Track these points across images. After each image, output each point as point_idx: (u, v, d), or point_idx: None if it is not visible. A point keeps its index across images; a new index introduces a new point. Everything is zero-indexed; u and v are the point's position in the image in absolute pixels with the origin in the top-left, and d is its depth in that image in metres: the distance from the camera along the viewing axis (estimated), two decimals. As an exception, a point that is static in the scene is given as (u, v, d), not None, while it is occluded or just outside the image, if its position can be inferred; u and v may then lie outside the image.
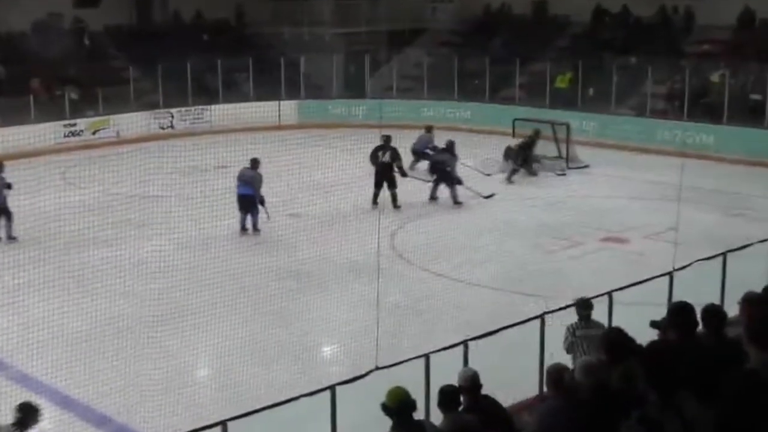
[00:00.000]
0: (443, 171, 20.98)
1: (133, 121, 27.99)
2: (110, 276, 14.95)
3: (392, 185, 20.59)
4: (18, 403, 8.80)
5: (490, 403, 7.82)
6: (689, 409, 4.90)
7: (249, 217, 18.59)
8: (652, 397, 5.04)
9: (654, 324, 8.09)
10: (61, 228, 15.24)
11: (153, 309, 13.37)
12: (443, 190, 20.99)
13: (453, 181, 20.75)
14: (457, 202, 20.67)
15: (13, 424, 8.61)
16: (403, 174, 21.10)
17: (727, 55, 29.22)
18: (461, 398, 7.65)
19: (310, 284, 15.44)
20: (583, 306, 10.66)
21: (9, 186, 18.13)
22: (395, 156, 20.93)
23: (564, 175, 23.91)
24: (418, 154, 23.53)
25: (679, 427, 4.79)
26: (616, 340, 6.89)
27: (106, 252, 16.72)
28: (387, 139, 21.16)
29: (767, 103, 26.40)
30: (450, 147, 21.54)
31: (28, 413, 8.64)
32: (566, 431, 5.85)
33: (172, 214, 17.90)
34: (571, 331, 10.51)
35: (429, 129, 24.45)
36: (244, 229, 18.60)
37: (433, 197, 21.13)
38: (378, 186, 20.57)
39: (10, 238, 18.24)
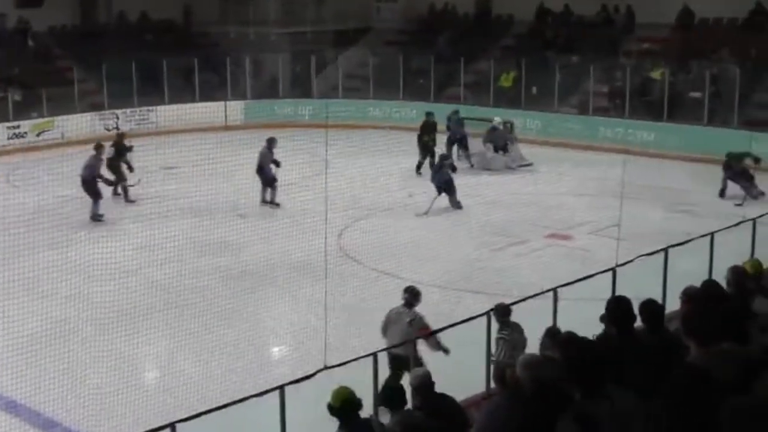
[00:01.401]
0: None
1: (78, 123, 27.76)
2: (57, 279, 14.83)
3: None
4: (405, 286, 11.54)
5: (445, 401, 7.93)
6: (624, 403, 4.97)
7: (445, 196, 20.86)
8: (577, 394, 5.06)
9: (603, 318, 8.22)
10: (7, 231, 15.10)
11: (101, 311, 13.33)
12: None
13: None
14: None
15: (404, 305, 11.22)
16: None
17: (667, 54, 29.69)
18: (415, 397, 7.76)
19: (258, 285, 15.46)
20: (503, 312, 10.81)
21: (277, 164, 21.34)
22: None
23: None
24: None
25: (614, 422, 4.82)
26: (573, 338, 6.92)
27: (53, 254, 16.54)
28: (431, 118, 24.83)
29: (706, 101, 26.87)
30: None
31: (413, 294, 11.36)
32: (509, 427, 5.85)
33: (119, 215, 17.85)
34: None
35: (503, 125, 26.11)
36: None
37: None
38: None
39: (273, 203, 21.07)
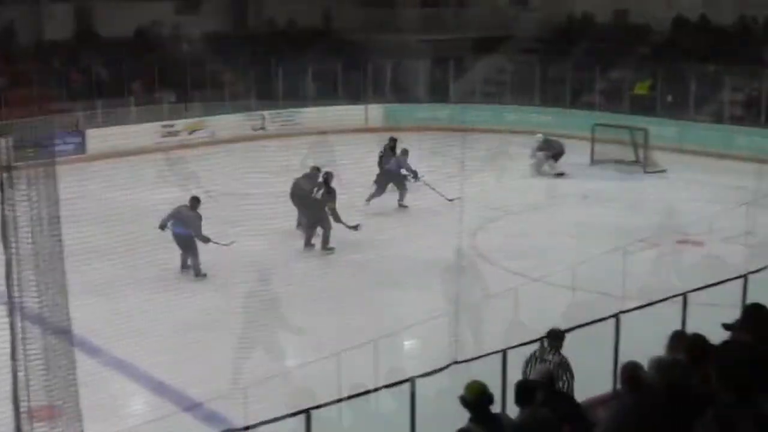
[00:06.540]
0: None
1: (227, 123, 28.96)
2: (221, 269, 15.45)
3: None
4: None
5: (564, 398, 8.28)
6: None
7: None
8: (727, 397, 5.06)
9: (726, 326, 8.33)
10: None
11: (245, 302, 13.90)
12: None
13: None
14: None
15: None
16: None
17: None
18: (537, 393, 8.10)
19: (389, 279, 15.87)
20: (555, 337, 10.42)
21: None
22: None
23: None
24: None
25: (752, 427, 4.85)
26: (696, 343, 6.97)
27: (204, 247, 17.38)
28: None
29: None
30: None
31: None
32: (639, 428, 6.03)
33: (262, 211, 18.52)
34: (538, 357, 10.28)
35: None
36: None
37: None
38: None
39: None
